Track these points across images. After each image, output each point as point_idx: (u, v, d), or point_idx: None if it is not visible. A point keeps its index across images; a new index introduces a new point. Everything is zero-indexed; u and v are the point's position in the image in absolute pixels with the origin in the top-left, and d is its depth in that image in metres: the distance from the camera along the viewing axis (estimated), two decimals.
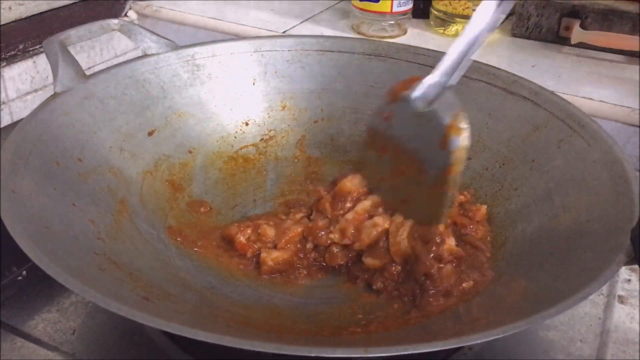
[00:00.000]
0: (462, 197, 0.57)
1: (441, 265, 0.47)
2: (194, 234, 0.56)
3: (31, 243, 0.40)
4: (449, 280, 0.47)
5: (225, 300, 0.49)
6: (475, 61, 0.66)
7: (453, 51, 0.47)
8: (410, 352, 0.33)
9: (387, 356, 0.35)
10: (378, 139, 0.51)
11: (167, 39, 0.65)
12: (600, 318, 0.53)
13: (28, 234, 0.41)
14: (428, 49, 0.67)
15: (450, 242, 0.49)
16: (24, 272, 0.55)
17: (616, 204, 0.47)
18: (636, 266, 0.42)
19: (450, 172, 0.47)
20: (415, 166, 0.49)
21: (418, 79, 0.48)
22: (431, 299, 0.47)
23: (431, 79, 0.48)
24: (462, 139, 0.46)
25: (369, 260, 0.51)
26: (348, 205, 0.52)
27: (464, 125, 0.46)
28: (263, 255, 0.51)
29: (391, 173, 0.51)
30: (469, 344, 0.36)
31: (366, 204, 0.52)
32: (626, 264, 0.41)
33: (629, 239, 0.42)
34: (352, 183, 0.53)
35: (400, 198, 0.50)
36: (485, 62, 0.66)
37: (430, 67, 0.65)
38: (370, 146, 0.52)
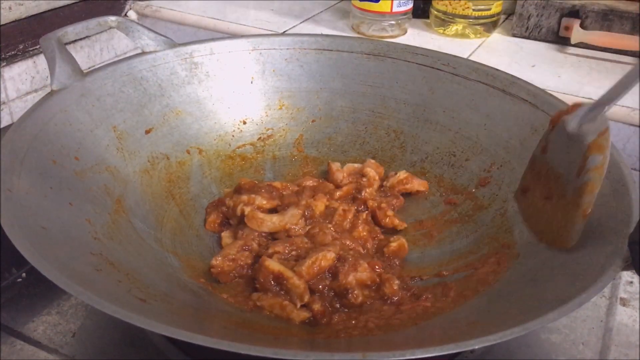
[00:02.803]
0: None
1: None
2: None
3: (27, 243, 0.40)
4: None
5: (222, 302, 0.49)
6: (474, 62, 0.66)
7: (625, 79, 0.43)
8: (407, 358, 0.33)
9: None
10: (536, 167, 0.50)
11: (165, 36, 0.65)
12: (602, 320, 0.53)
13: (24, 234, 0.41)
14: (426, 49, 0.67)
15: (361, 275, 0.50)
16: (24, 274, 0.54)
17: (613, 208, 0.47)
18: None
19: (584, 192, 0.44)
20: (560, 189, 0.47)
21: (580, 105, 0.46)
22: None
23: (593, 104, 0.45)
24: (602, 157, 0.44)
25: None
26: None
27: (605, 143, 0.44)
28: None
29: (539, 198, 0.50)
30: (466, 349, 0.35)
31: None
32: (623, 269, 0.41)
33: (627, 244, 0.42)
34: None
35: (543, 222, 0.49)
36: (485, 62, 0.66)
37: (428, 67, 0.66)
38: (529, 174, 0.51)
